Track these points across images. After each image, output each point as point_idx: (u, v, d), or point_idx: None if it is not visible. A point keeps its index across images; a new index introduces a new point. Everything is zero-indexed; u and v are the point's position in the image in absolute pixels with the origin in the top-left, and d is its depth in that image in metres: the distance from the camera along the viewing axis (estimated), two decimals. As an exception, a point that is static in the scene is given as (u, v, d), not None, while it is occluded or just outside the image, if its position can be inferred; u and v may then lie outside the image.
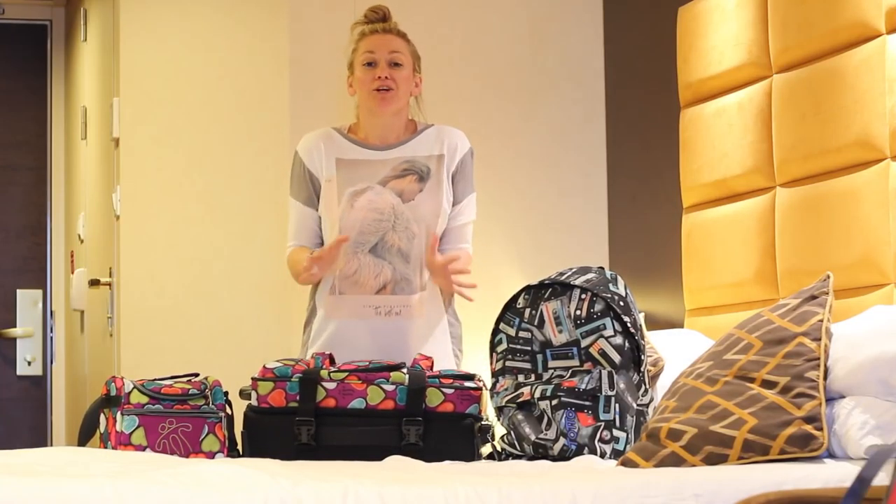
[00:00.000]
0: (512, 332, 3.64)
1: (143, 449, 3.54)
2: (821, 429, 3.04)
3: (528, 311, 3.62)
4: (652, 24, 5.13)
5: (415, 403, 3.52)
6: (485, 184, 4.96)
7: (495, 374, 3.68)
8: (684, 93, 4.72)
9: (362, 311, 3.89)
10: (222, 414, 3.62)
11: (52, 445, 6.37)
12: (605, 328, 3.51)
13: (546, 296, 3.60)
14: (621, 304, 3.56)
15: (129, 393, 3.60)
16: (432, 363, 3.68)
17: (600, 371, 3.49)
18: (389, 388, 3.55)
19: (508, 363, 3.64)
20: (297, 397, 3.55)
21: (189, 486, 2.54)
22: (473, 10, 5.40)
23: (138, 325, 5.20)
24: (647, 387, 3.57)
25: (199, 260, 5.23)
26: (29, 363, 6.55)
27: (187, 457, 3.53)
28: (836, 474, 2.92)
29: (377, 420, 3.53)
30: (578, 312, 3.53)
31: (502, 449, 3.59)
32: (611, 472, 3.01)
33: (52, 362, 6.57)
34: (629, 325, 3.52)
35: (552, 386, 3.52)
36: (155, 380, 3.66)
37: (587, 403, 3.47)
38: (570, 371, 3.53)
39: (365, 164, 3.95)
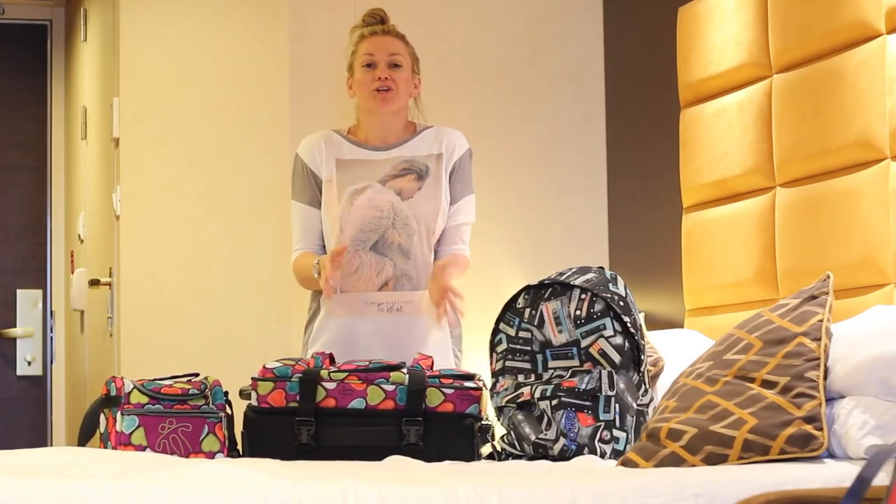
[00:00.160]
0: (512, 332, 3.64)
1: (143, 449, 3.54)
2: (821, 429, 3.04)
3: (528, 311, 3.62)
4: (652, 24, 5.13)
5: (415, 403, 3.52)
6: (485, 184, 4.96)
7: (495, 374, 3.68)
8: (684, 93, 4.72)
9: (364, 309, 3.90)
10: (222, 414, 3.62)
11: (52, 445, 6.37)
12: (605, 328, 3.51)
13: (546, 296, 3.60)
14: (621, 304, 3.56)
15: (129, 393, 3.60)
16: (432, 363, 3.69)
17: (600, 371, 3.49)
18: (389, 388, 3.55)
19: (508, 363, 3.64)
20: (297, 397, 3.56)
21: (189, 486, 2.54)
22: (473, 11, 5.40)
23: (138, 325, 5.20)
24: (647, 387, 3.57)
25: (199, 260, 5.23)
26: (29, 363, 6.55)
27: (187, 457, 3.53)
28: (836, 474, 2.92)
29: (377, 420, 3.53)
30: (578, 312, 3.54)
31: (502, 449, 3.59)
32: (611, 472, 3.01)
33: (52, 362, 6.58)
34: (629, 325, 3.52)
35: (552, 386, 3.52)
36: (155, 380, 3.66)
37: (587, 403, 3.47)
38: (570, 371, 3.53)
39: (365, 163, 3.98)
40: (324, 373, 3.57)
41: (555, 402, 3.49)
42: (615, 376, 3.48)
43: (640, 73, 5.26)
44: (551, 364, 3.57)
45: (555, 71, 5.45)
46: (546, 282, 3.63)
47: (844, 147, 3.94)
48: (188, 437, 3.57)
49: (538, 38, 5.46)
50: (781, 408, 3.07)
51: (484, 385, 3.61)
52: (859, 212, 3.86)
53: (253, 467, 2.72)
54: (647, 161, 5.19)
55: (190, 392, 3.61)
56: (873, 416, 3.08)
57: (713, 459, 3.06)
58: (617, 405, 3.48)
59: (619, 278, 3.65)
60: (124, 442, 3.55)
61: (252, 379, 3.61)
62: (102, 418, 3.64)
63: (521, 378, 3.61)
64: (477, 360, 4.48)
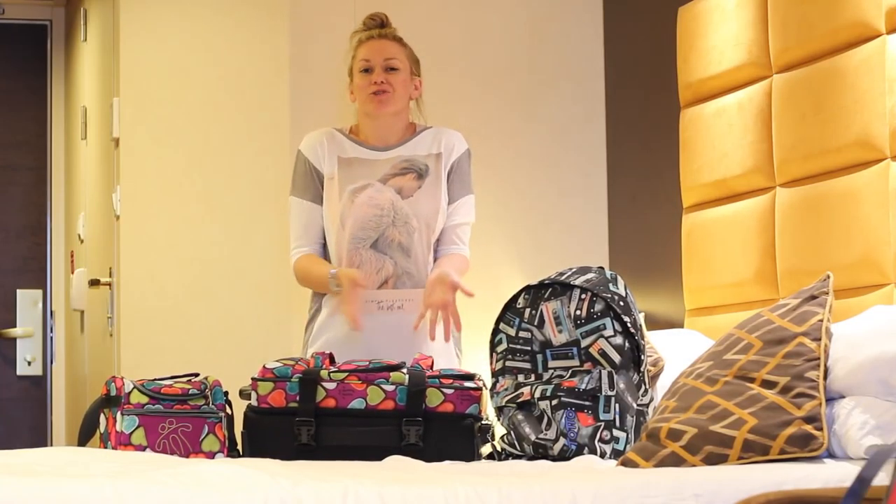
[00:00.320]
0: (512, 332, 3.64)
1: (143, 449, 3.54)
2: (821, 429, 3.04)
3: (528, 311, 3.62)
4: (652, 24, 5.13)
5: (415, 403, 3.52)
6: (485, 184, 4.96)
7: (495, 374, 3.68)
8: (684, 93, 4.72)
9: (365, 307, 3.90)
10: (222, 414, 3.61)
11: (52, 445, 6.37)
12: (605, 328, 3.51)
13: (546, 296, 3.60)
14: (621, 304, 3.56)
15: (129, 393, 3.60)
16: (432, 363, 3.69)
17: (600, 371, 3.49)
18: (389, 388, 3.55)
19: (508, 363, 3.64)
20: (297, 397, 3.55)
21: (189, 486, 2.54)
22: (473, 11, 5.40)
23: (138, 325, 5.20)
24: (647, 387, 3.57)
25: (199, 260, 5.23)
26: (29, 363, 6.55)
27: (187, 457, 3.53)
28: (836, 474, 2.92)
29: (377, 420, 3.53)
30: (578, 312, 3.54)
31: (502, 449, 3.59)
32: (611, 472, 3.01)
33: (52, 362, 6.57)
34: (629, 325, 3.52)
35: (552, 386, 3.52)
36: (155, 380, 3.66)
37: (587, 403, 3.47)
38: (570, 371, 3.53)
39: (365, 162, 3.99)
40: (324, 373, 3.57)
41: (555, 402, 3.49)
42: (615, 376, 3.48)
43: (640, 73, 5.26)
44: (551, 364, 3.56)
45: (555, 71, 5.45)
46: (546, 282, 3.63)
47: (844, 147, 3.94)
48: (188, 437, 3.57)
49: (538, 38, 5.46)
50: (781, 408, 3.07)
51: (484, 385, 3.61)
52: (859, 212, 3.86)
53: (253, 467, 2.72)
54: (647, 161, 5.19)
55: (190, 392, 3.61)
56: (873, 416, 3.08)
57: (713, 459, 3.06)
58: (617, 405, 3.48)
59: (619, 278, 3.65)
60: (124, 442, 3.55)
61: (252, 379, 3.61)
62: (102, 418, 3.64)
63: (521, 378, 3.61)
64: (477, 360, 4.48)
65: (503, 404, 3.61)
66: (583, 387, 3.48)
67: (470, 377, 3.58)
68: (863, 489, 1.94)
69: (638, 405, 3.52)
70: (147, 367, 4.71)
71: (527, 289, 3.66)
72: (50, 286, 6.60)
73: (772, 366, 3.17)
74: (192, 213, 5.24)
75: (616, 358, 3.50)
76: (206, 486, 2.54)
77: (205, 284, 5.22)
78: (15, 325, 6.53)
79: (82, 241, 6.12)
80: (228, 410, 3.65)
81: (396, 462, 3.31)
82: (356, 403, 3.54)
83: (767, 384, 3.14)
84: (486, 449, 3.62)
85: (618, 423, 3.47)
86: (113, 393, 3.61)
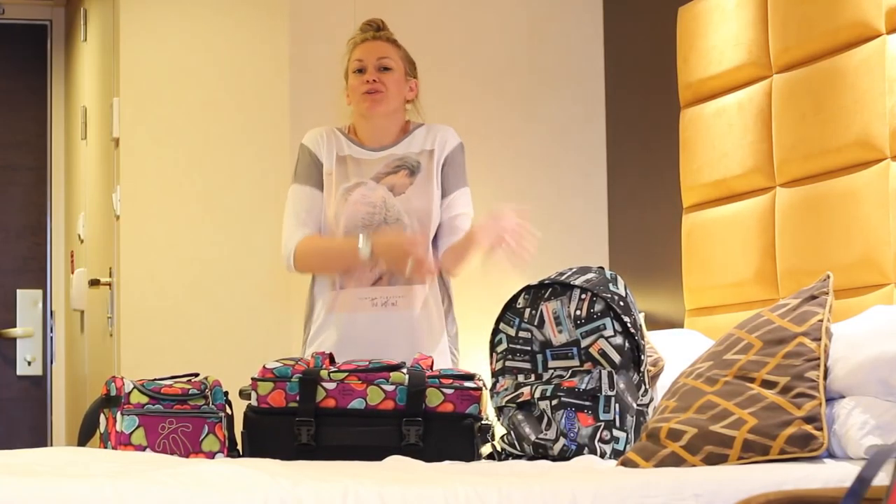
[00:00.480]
0: (512, 332, 3.64)
1: (143, 449, 3.54)
2: (821, 429, 3.03)
3: (528, 311, 3.62)
4: (652, 24, 5.13)
5: (415, 404, 3.52)
6: (485, 184, 4.96)
7: (495, 374, 3.68)
8: (684, 93, 4.72)
9: (359, 304, 3.91)
10: (222, 414, 3.61)
11: (52, 445, 6.37)
12: (605, 328, 3.51)
13: (546, 296, 3.60)
14: (621, 304, 3.56)
15: (129, 393, 3.60)
16: (432, 363, 3.69)
17: (600, 371, 3.49)
18: (389, 388, 3.55)
19: (508, 363, 3.64)
20: (297, 397, 3.56)
21: (189, 486, 2.54)
22: (473, 10, 5.40)
23: (138, 325, 5.20)
24: (647, 387, 3.57)
25: (199, 260, 5.23)
26: (29, 363, 6.55)
27: (187, 457, 3.53)
28: (836, 474, 2.92)
29: (377, 420, 3.53)
30: (578, 312, 3.53)
31: (502, 449, 3.59)
32: (611, 472, 3.01)
33: (52, 362, 6.57)
34: (629, 325, 3.52)
35: (552, 386, 3.52)
36: (155, 380, 3.66)
37: (587, 403, 3.47)
38: (570, 371, 3.53)
39: (361, 162, 4.02)
40: (324, 373, 3.57)
41: (555, 402, 3.49)
42: (615, 376, 3.48)
43: (640, 73, 5.26)
44: (551, 364, 3.56)
45: (555, 71, 5.45)
46: (546, 282, 3.63)
47: (844, 147, 3.94)
48: (188, 437, 3.57)
49: (538, 38, 5.46)
50: (781, 408, 3.07)
51: (484, 385, 3.61)
52: (859, 212, 3.86)
53: (253, 467, 2.72)
54: (647, 161, 5.19)
55: (190, 392, 3.61)
56: (873, 416, 3.08)
57: (713, 459, 3.06)
58: (617, 405, 3.48)
59: (619, 278, 3.65)
60: (124, 442, 3.55)
61: (252, 379, 3.61)
62: (102, 418, 3.64)
63: (521, 378, 3.61)
64: (477, 360, 4.48)
65: (503, 404, 3.61)
66: (583, 387, 3.48)
67: (470, 377, 3.58)
68: (863, 489, 1.94)
69: (638, 405, 3.52)
70: (147, 367, 4.71)
71: (527, 289, 3.66)
72: (50, 286, 6.60)
73: (772, 366, 3.17)
74: (192, 213, 5.24)
75: (616, 358, 3.50)
76: (206, 486, 2.54)
77: (205, 284, 5.22)
78: (15, 325, 6.53)
79: (82, 241, 6.12)
80: (228, 410, 3.65)
81: (396, 462, 3.31)
82: (356, 403, 3.54)
83: (767, 384, 3.14)
84: (486, 449, 3.62)
85: (618, 423, 3.47)
86: (113, 393, 3.61)
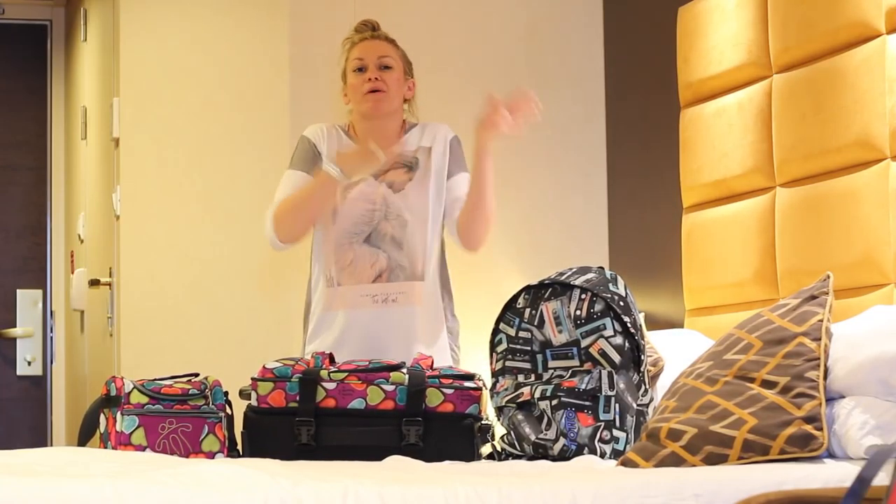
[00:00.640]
0: (512, 332, 3.64)
1: (143, 449, 3.54)
2: (821, 429, 3.04)
3: (528, 311, 3.62)
4: (652, 24, 5.13)
5: (415, 403, 3.52)
6: (485, 184, 4.95)
7: (495, 374, 3.68)
8: (684, 93, 4.72)
9: (359, 301, 3.91)
10: (222, 414, 3.61)
11: (52, 445, 6.37)
12: (605, 328, 3.51)
13: (546, 296, 3.60)
14: (621, 304, 3.56)
15: (129, 393, 3.60)
16: (432, 362, 3.69)
17: (600, 371, 3.49)
18: (389, 388, 3.55)
19: (508, 363, 3.64)
20: (297, 397, 3.56)
21: (189, 486, 2.54)
22: (473, 11, 5.40)
23: (138, 325, 5.20)
24: (647, 387, 3.57)
25: (199, 260, 5.23)
26: (29, 363, 6.55)
27: (187, 457, 3.53)
28: (836, 474, 2.92)
29: (377, 420, 3.53)
30: (578, 312, 3.53)
31: (502, 449, 3.59)
32: (611, 472, 3.01)
33: (52, 362, 6.57)
34: (629, 325, 3.52)
35: (552, 386, 3.52)
36: (155, 380, 3.66)
37: (587, 403, 3.47)
38: (570, 371, 3.53)
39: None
40: (323, 373, 3.57)
41: (555, 402, 3.49)
42: (615, 376, 3.48)
43: (640, 73, 5.26)
44: (551, 364, 3.56)
45: (555, 71, 5.45)
46: (546, 282, 3.63)
47: (844, 147, 3.94)
48: (188, 437, 3.57)
49: (538, 38, 5.46)
50: (781, 408, 3.07)
51: (484, 385, 3.61)
52: (859, 212, 3.86)
53: (253, 467, 2.72)
54: (647, 161, 5.19)
55: (190, 392, 3.61)
56: (873, 416, 3.08)
57: (713, 459, 3.06)
58: (617, 405, 3.48)
59: (619, 278, 3.65)
60: (124, 442, 3.55)
61: (252, 379, 3.61)
62: (102, 418, 3.64)
63: (521, 378, 3.61)
64: (476, 360, 4.48)
65: (503, 404, 3.61)
66: (583, 387, 3.48)
67: (470, 377, 3.59)
68: (863, 489, 1.94)
69: (638, 405, 3.52)
70: (147, 367, 4.71)
71: (527, 289, 3.66)
72: (50, 286, 6.60)
73: (772, 366, 3.17)
74: (192, 213, 5.24)
75: (616, 358, 3.50)
76: (206, 486, 2.54)
77: (204, 284, 5.22)
78: (15, 325, 6.53)
79: (82, 241, 6.12)
80: (228, 410, 3.66)
81: (396, 462, 3.31)
82: (356, 403, 3.55)
83: (767, 384, 3.14)
84: (486, 449, 3.62)
85: (618, 423, 3.47)
86: (113, 393, 3.61)
